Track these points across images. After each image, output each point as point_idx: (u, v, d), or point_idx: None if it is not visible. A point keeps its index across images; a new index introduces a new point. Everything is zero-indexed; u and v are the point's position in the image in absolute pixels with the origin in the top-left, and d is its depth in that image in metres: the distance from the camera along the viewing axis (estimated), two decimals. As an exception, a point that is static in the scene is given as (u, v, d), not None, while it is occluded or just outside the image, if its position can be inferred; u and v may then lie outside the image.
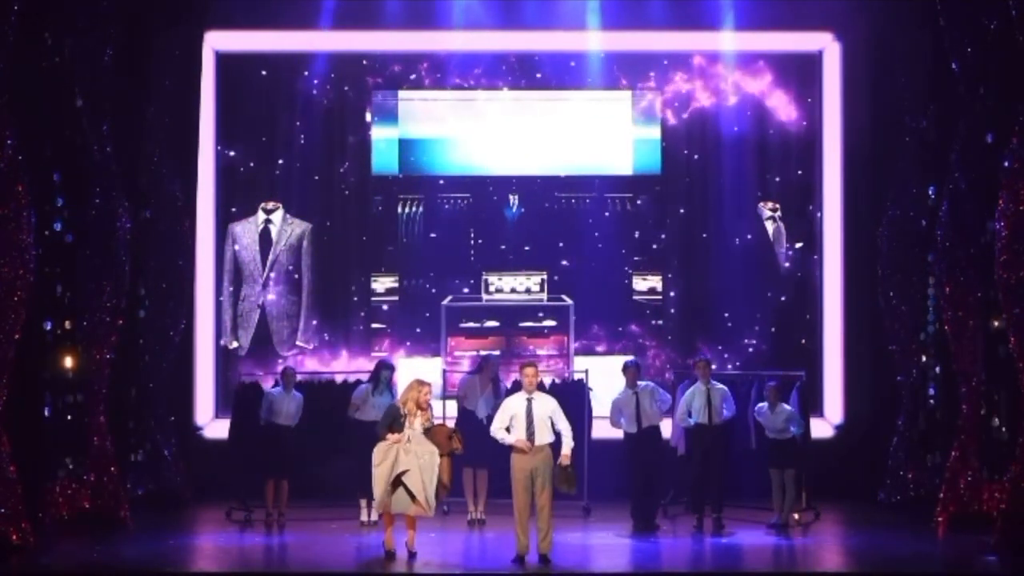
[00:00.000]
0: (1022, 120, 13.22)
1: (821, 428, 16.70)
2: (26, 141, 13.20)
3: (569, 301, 17.22)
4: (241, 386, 15.71)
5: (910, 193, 16.09)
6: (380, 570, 12.70)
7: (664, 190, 17.57)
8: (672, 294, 17.48)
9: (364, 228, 17.56)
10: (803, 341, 17.41)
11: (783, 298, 17.48)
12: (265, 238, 17.48)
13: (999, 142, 14.09)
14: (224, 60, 17.26)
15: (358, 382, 15.39)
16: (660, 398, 14.63)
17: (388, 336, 17.42)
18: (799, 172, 17.56)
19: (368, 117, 17.54)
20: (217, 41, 17.06)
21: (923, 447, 15.95)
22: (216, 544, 14.07)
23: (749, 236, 17.49)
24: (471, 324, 17.24)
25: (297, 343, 17.40)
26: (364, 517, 14.87)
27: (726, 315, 17.38)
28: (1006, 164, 13.41)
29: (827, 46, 17.36)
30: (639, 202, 17.56)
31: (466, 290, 17.30)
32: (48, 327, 14.46)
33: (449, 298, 17.22)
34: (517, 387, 13.68)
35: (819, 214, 17.45)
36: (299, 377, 15.47)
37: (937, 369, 16.00)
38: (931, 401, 16.09)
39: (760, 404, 14.86)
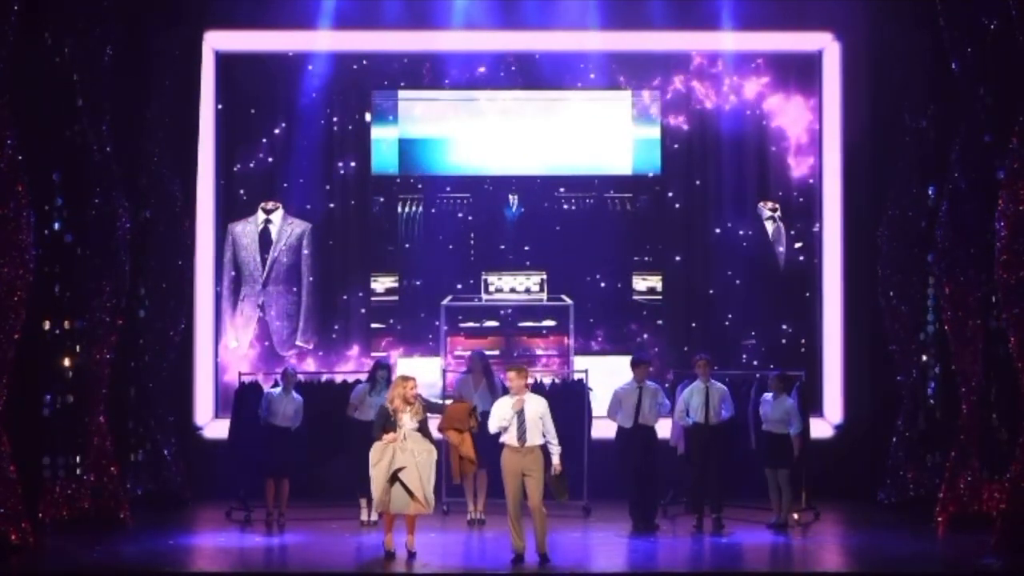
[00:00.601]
0: (1022, 120, 13.22)
1: (821, 428, 16.68)
2: (26, 141, 13.20)
3: (569, 301, 17.22)
4: (241, 386, 15.71)
5: (910, 193, 16.09)
6: (380, 570, 12.70)
7: (664, 190, 17.57)
8: (672, 294, 17.48)
9: (364, 228, 17.55)
10: (803, 341, 17.41)
11: (783, 298, 17.48)
12: (265, 238, 17.47)
13: (999, 142, 14.09)
14: (224, 60, 17.25)
15: (357, 382, 15.40)
16: (661, 400, 14.61)
17: (388, 336, 17.42)
18: (799, 172, 17.56)
19: (368, 117, 17.54)
20: (217, 41, 17.05)
21: (923, 447, 15.95)
22: (216, 544, 14.05)
23: (749, 236, 17.50)
24: (471, 324, 17.25)
25: (297, 343, 17.40)
26: (364, 517, 14.87)
27: (726, 315, 17.38)
28: (1006, 164, 13.41)
29: (827, 46, 17.34)
30: (639, 202, 17.57)
31: (460, 286, 17.27)
32: (48, 327, 14.47)
33: (449, 298, 17.23)
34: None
35: (819, 214, 17.45)
36: (299, 377, 15.48)
37: (937, 369, 16.02)
38: (931, 401, 16.11)
39: (765, 394, 14.85)
